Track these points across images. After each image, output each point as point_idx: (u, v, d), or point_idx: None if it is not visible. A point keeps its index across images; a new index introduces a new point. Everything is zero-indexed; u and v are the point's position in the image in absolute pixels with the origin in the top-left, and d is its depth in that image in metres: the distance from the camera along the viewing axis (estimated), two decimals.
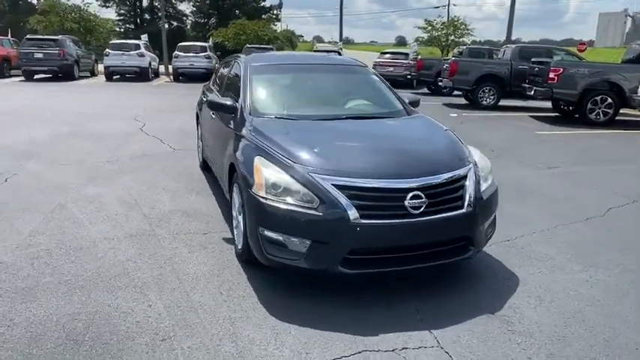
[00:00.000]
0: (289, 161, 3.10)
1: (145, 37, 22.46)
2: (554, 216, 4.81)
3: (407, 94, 4.82)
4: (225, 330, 2.75)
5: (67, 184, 5.44)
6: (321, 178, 2.95)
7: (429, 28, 30.66)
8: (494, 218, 3.54)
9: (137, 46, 19.70)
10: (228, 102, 4.16)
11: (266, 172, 3.07)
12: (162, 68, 22.93)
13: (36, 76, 18.88)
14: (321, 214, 2.87)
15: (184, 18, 48.79)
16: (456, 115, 12.47)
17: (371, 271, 3.03)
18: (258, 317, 2.89)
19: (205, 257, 3.68)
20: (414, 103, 4.65)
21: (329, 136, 3.59)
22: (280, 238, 2.97)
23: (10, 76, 19.35)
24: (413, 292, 3.23)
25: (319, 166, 3.03)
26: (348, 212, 2.84)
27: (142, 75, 19.65)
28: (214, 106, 4.19)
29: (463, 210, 3.09)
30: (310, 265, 2.98)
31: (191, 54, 19.71)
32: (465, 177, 3.20)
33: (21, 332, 2.68)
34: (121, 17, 45.34)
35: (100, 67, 20.48)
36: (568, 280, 3.46)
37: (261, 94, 4.17)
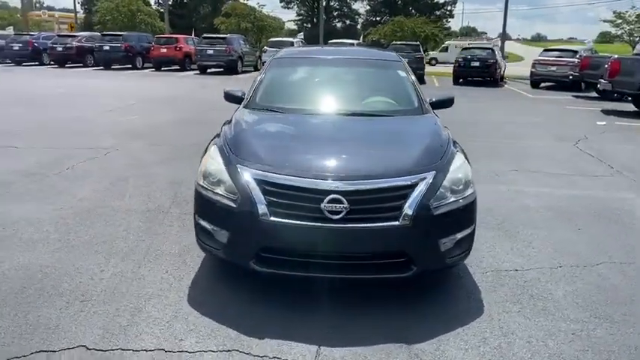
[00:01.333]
0: (230, 152, 3.12)
1: (300, 35, 24.05)
2: (610, 252, 3.85)
3: (443, 93, 4.42)
4: (135, 304, 2.94)
5: (145, 161, 6.25)
6: (246, 170, 2.91)
7: (619, 21, 26.07)
8: (469, 237, 3.02)
9: (291, 44, 21.20)
10: (239, 93, 4.32)
11: (209, 161, 3.15)
12: None
13: (209, 70, 21.70)
14: (236, 206, 2.84)
15: (357, 17, 50.57)
16: (604, 123, 10.56)
17: (286, 273, 2.88)
18: (174, 299, 3.01)
19: (186, 238, 3.91)
20: (444, 103, 4.22)
21: (291, 131, 3.51)
22: (208, 226, 3.03)
23: (190, 70, 22.63)
24: (344, 304, 2.98)
25: (248, 158, 2.99)
26: (258, 207, 2.76)
27: None
28: (228, 97, 4.39)
29: (396, 222, 2.73)
30: (227, 257, 2.99)
31: None
32: (409, 187, 2.81)
33: None
34: (300, 17, 49.10)
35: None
36: (545, 329, 2.78)
37: (268, 86, 4.23)
